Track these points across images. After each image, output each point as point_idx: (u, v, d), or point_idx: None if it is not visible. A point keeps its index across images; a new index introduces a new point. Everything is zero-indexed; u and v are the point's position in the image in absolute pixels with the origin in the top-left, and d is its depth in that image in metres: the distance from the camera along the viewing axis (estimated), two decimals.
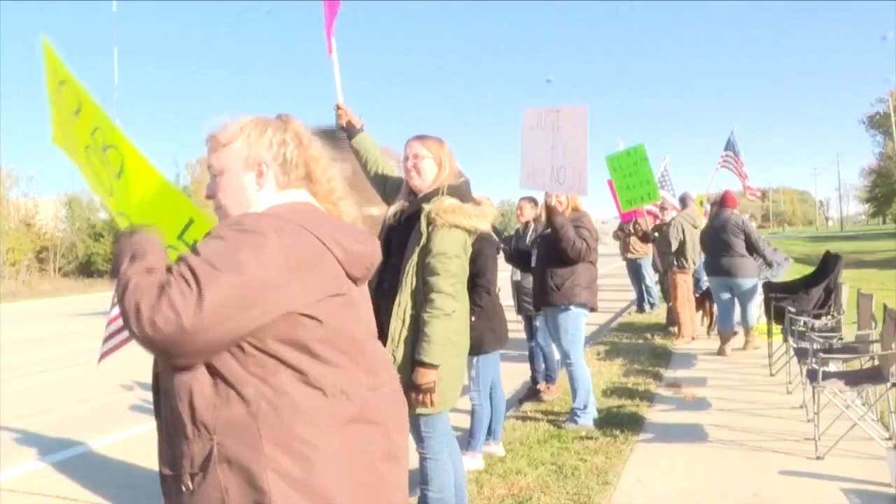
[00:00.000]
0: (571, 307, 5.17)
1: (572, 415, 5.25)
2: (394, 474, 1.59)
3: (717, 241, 7.91)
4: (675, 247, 8.73)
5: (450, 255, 2.84)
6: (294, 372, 1.46)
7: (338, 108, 3.46)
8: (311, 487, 1.42)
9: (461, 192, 3.00)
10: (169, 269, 1.44)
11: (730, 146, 11.87)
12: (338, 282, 1.56)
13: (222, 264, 1.39)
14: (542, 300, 5.31)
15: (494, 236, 4.39)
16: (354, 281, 1.64)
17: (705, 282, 9.39)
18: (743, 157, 11.89)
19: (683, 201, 9.64)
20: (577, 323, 5.23)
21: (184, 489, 1.48)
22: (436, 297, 2.81)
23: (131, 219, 2.60)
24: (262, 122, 1.72)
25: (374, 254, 1.68)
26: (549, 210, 5.05)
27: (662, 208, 10.07)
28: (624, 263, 12.56)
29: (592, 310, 5.33)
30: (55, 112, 2.93)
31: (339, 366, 1.51)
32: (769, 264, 8.47)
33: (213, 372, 1.45)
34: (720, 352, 7.96)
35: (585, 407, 5.20)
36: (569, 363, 5.24)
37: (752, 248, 7.81)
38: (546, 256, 5.21)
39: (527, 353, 6.36)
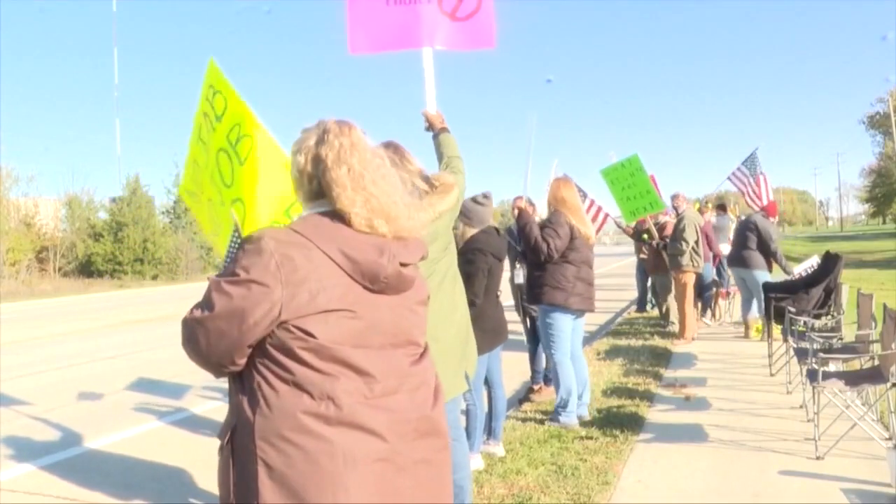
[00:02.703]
0: (547, 307, 5.21)
1: (554, 413, 5.29)
2: (385, 477, 1.61)
3: (740, 235, 8.93)
4: (691, 244, 8.75)
5: None
6: (286, 374, 1.59)
7: (424, 113, 3.56)
8: (293, 482, 1.55)
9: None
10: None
11: (749, 164, 11.72)
12: (339, 297, 1.61)
13: (226, 282, 1.61)
14: (528, 299, 5.53)
15: (492, 244, 4.36)
16: (374, 291, 1.67)
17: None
18: (763, 178, 11.49)
19: (676, 200, 9.66)
20: (556, 322, 5.19)
21: (218, 455, 1.70)
22: None
23: (245, 202, 3.00)
24: (306, 133, 1.79)
25: (389, 266, 1.67)
26: (518, 211, 5.43)
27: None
28: (623, 263, 12.57)
29: (576, 311, 5.24)
30: (194, 141, 3.41)
31: (328, 374, 1.59)
32: (784, 270, 8.71)
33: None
34: (746, 335, 8.98)
35: (565, 406, 5.20)
36: (554, 362, 5.27)
37: (763, 248, 8.59)
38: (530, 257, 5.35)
39: (527, 353, 6.36)
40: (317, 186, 1.74)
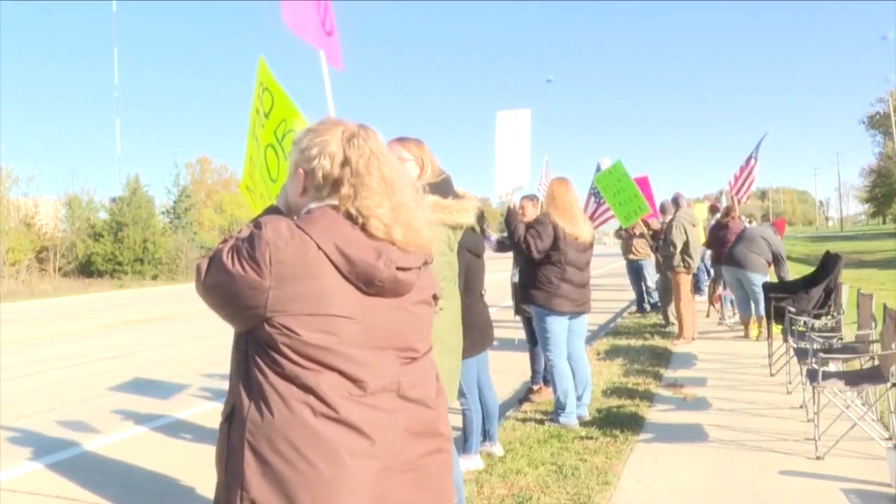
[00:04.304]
0: (538, 309, 5.22)
1: (553, 414, 5.30)
2: (374, 476, 1.60)
3: (747, 240, 8.73)
4: (680, 247, 8.74)
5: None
6: (275, 365, 1.60)
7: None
8: (277, 469, 1.56)
9: (442, 188, 2.97)
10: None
11: (756, 148, 11.49)
12: (329, 296, 1.59)
13: (228, 255, 1.61)
14: (520, 299, 5.56)
15: (466, 240, 4.36)
16: (370, 294, 1.64)
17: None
18: (752, 161, 11.27)
19: (676, 202, 9.67)
20: (548, 324, 5.18)
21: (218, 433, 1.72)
22: None
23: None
24: (311, 129, 1.78)
25: (385, 270, 1.63)
26: (507, 210, 5.40)
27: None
28: (623, 262, 12.61)
29: (565, 313, 5.18)
30: (250, 138, 3.49)
31: (314, 370, 1.59)
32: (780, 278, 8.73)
33: (238, 349, 1.68)
34: (746, 335, 9.00)
35: (563, 408, 5.20)
36: (549, 364, 5.28)
37: (776, 261, 8.58)
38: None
39: (527, 353, 6.37)
40: (332, 188, 1.69)
